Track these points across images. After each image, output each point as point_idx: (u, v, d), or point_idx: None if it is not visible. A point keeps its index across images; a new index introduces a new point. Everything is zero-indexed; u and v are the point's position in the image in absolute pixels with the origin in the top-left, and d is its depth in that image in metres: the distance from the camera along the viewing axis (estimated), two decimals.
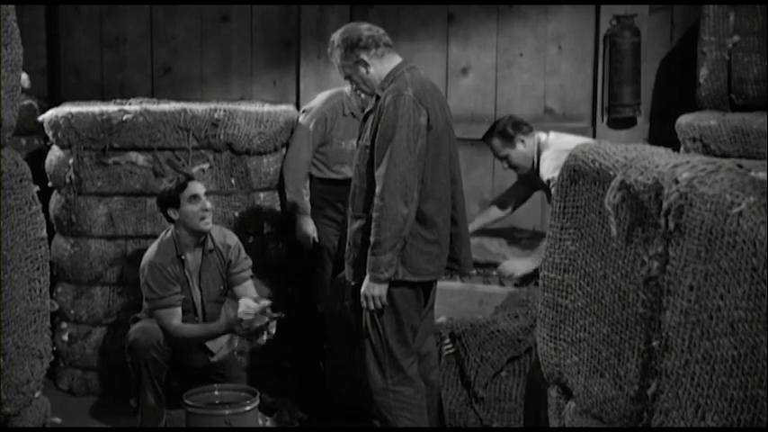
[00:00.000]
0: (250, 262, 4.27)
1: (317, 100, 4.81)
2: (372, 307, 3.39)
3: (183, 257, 4.07)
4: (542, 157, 4.29)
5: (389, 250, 3.29)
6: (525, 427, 3.96)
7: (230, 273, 4.18)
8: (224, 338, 4.19)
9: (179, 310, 4.03)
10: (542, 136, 4.37)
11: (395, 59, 3.50)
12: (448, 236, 3.52)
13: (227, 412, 3.62)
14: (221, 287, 4.19)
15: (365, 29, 3.50)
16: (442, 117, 3.46)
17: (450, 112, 3.62)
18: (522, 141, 4.36)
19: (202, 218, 4.03)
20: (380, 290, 3.35)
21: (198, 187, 4.07)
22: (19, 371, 2.56)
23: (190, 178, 4.09)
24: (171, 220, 4.08)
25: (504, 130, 4.35)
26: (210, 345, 4.13)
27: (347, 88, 4.65)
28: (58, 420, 4.06)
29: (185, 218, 4.03)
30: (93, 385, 4.71)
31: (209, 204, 4.07)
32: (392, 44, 3.52)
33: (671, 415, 1.99)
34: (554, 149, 4.22)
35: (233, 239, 4.22)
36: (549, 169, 4.17)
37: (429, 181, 3.40)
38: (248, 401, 3.70)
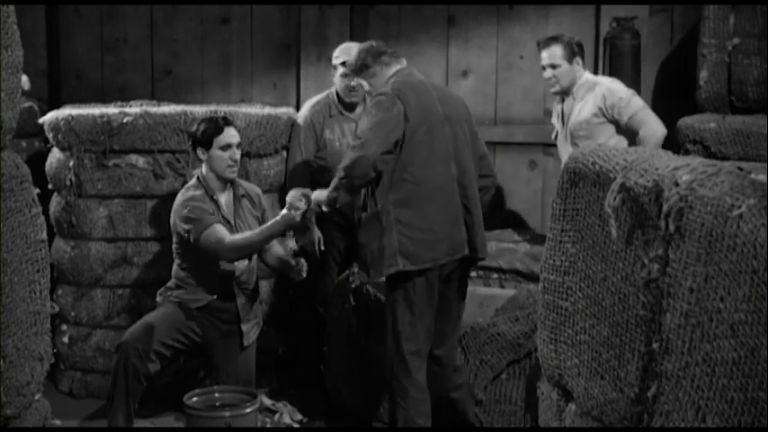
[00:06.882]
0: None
1: (302, 109, 4.89)
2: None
3: (215, 198, 4.05)
4: (612, 91, 4.36)
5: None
6: (525, 428, 3.96)
7: (263, 224, 4.15)
8: (255, 329, 4.19)
9: (222, 228, 3.93)
10: (589, 74, 4.50)
11: (394, 68, 3.77)
12: (447, 223, 3.63)
13: (227, 414, 3.62)
14: None
15: (379, 45, 3.83)
16: (435, 111, 3.64)
17: (457, 109, 3.76)
18: (578, 63, 4.42)
19: (229, 165, 4.04)
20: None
21: (233, 137, 4.05)
22: (19, 373, 2.56)
23: (228, 123, 4.07)
24: (200, 160, 4.08)
25: (569, 45, 4.40)
26: (245, 328, 4.10)
27: (334, 89, 4.74)
28: (57, 422, 4.08)
29: (212, 161, 4.03)
30: (93, 387, 4.70)
31: (237, 156, 4.06)
32: (398, 56, 3.80)
33: (671, 417, 1.99)
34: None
35: (259, 189, 4.31)
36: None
37: (418, 170, 3.57)
38: (248, 403, 3.70)
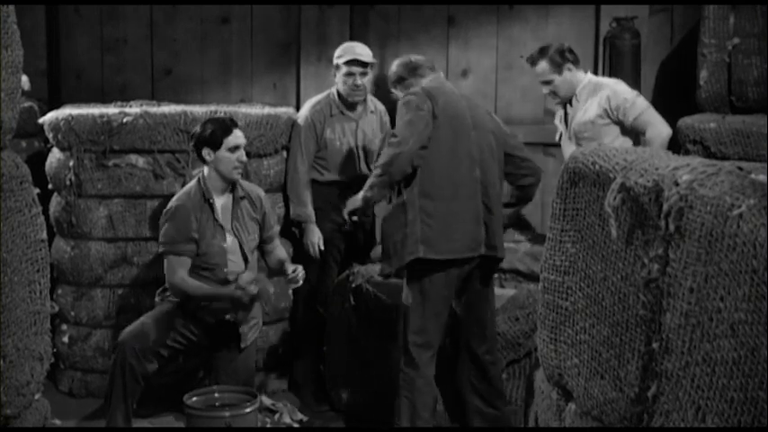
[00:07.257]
0: (276, 218, 4.40)
1: (303, 109, 4.90)
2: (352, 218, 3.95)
3: (211, 201, 4.03)
4: (618, 92, 4.35)
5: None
6: (525, 428, 3.96)
7: (264, 226, 4.19)
8: (255, 330, 4.20)
9: (188, 261, 3.98)
10: (591, 75, 4.48)
11: (428, 78, 3.95)
12: (468, 220, 3.73)
13: (227, 414, 3.63)
14: (256, 235, 4.17)
15: (417, 59, 4.04)
16: (462, 117, 3.79)
17: (484, 119, 3.90)
18: (570, 70, 4.40)
19: (236, 167, 4.04)
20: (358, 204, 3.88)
21: (241, 138, 4.06)
22: (19, 373, 2.56)
23: (235, 124, 4.08)
24: (203, 161, 4.06)
25: (555, 55, 4.38)
26: (243, 330, 4.10)
27: (334, 88, 4.76)
28: (57, 422, 4.07)
29: (219, 162, 4.02)
30: (93, 387, 4.70)
31: (245, 158, 4.07)
32: (433, 68, 4.00)
33: (671, 417, 1.99)
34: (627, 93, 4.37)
35: (261, 191, 4.30)
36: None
37: (442, 168, 3.71)
38: (248, 403, 3.70)
